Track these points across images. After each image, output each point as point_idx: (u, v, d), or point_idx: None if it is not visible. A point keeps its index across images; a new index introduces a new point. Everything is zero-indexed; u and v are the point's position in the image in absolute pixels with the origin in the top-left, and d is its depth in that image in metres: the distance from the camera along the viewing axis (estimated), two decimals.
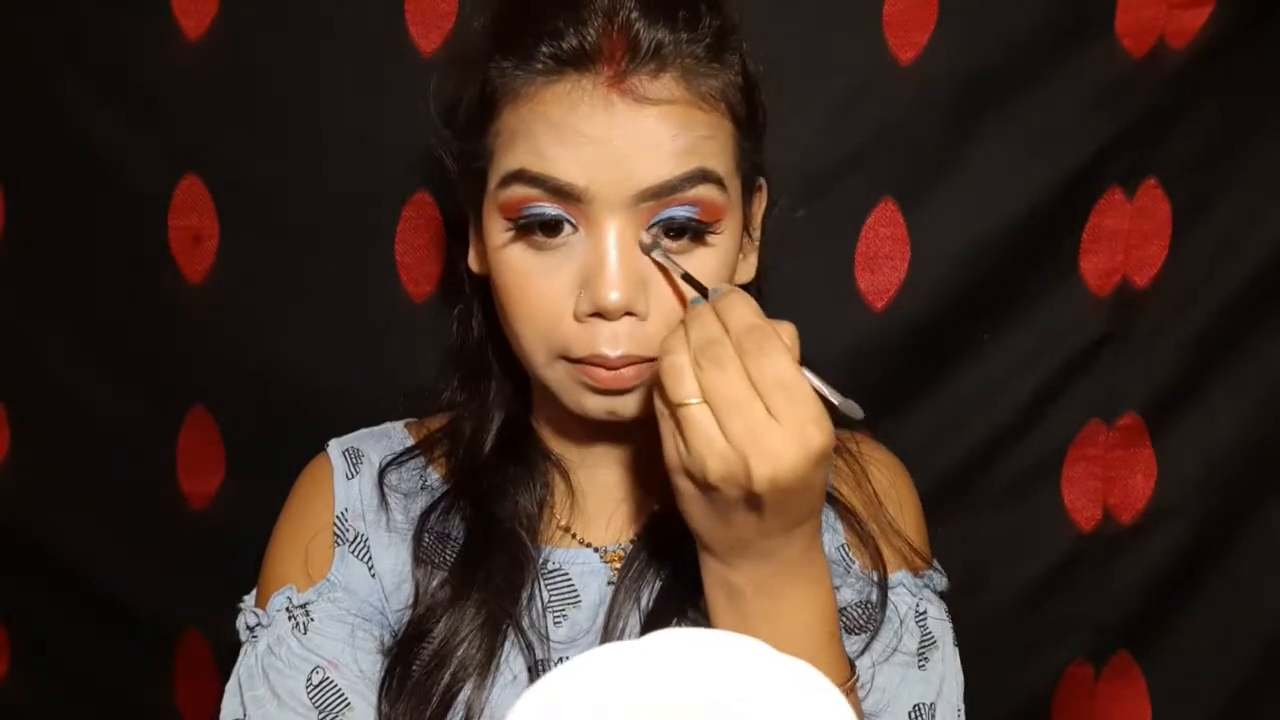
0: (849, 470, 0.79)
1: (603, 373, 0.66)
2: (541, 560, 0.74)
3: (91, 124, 0.95)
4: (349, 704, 0.69)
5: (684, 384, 0.58)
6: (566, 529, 0.76)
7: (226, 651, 0.76)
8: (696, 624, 0.69)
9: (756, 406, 0.56)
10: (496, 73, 0.67)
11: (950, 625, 0.77)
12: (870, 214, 0.95)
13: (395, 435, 0.81)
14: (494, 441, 0.77)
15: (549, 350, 0.67)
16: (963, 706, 0.75)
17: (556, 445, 0.78)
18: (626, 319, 0.65)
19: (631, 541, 0.75)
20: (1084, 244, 0.96)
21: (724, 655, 0.41)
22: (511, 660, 0.71)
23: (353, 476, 0.77)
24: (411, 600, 0.73)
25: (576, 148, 0.64)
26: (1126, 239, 0.96)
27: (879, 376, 0.96)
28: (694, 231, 0.66)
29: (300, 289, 0.97)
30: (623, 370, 0.66)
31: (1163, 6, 0.92)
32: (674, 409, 0.59)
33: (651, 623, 0.70)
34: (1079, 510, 0.99)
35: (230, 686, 0.73)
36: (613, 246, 0.64)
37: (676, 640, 0.40)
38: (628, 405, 0.68)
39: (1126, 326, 0.96)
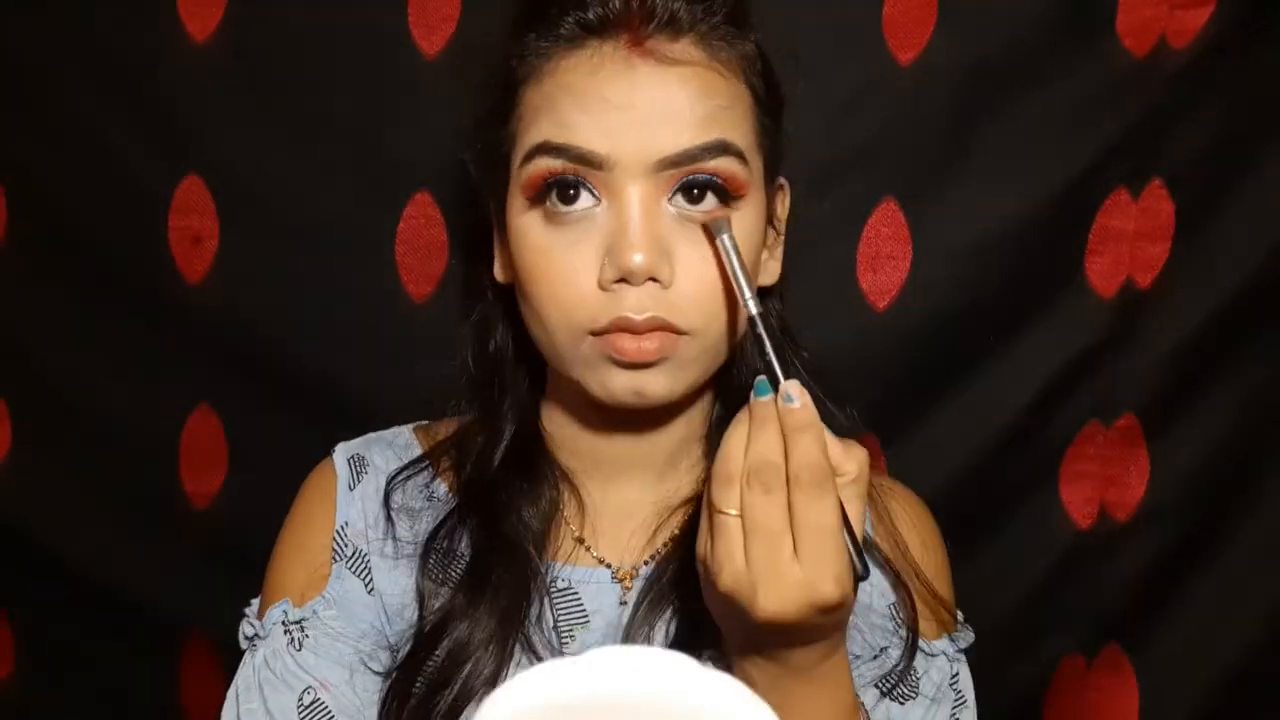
0: (880, 522, 0.78)
1: (628, 342, 0.65)
2: (550, 579, 0.73)
3: (96, 124, 0.95)
4: None
5: (729, 495, 0.58)
6: (580, 540, 0.75)
7: (231, 651, 0.76)
8: (717, 664, 0.68)
9: (785, 543, 0.57)
10: (517, 60, 0.68)
11: (971, 677, 0.77)
12: (872, 214, 0.95)
13: (403, 442, 0.80)
14: (504, 455, 0.75)
15: (574, 328, 0.66)
16: None
17: (570, 459, 0.76)
18: (651, 285, 0.65)
19: (646, 562, 0.74)
20: (1090, 245, 0.96)
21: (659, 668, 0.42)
22: None
23: (355, 486, 0.76)
24: (416, 619, 0.72)
25: (599, 114, 0.64)
26: (1132, 240, 0.96)
27: (881, 376, 0.96)
28: (718, 192, 0.66)
29: (301, 289, 0.97)
30: (647, 340, 0.65)
31: (1164, 6, 0.92)
32: (713, 510, 0.59)
33: None
34: (1076, 508, 1.00)
35: (230, 695, 0.73)
36: (636, 211, 0.64)
37: (618, 655, 0.41)
38: (655, 384, 0.66)
39: (1129, 328, 0.97)
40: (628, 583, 0.74)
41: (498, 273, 0.75)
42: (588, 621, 0.72)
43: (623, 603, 0.73)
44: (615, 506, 0.76)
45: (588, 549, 0.75)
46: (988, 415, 0.97)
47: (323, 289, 0.97)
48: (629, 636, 0.71)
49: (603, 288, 0.65)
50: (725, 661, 0.67)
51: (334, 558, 0.74)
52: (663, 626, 0.71)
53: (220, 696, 0.74)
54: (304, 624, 0.72)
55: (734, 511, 0.58)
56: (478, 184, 0.76)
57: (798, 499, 0.57)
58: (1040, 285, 0.96)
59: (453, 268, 0.96)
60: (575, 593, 0.73)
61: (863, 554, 0.58)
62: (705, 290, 0.66)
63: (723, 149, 0.65)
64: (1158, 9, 0.92)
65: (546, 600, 0.72)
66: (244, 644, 0.74)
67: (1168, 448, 0.99)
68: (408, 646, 0.71)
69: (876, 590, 0.75)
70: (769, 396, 0.59)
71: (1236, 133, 0.95)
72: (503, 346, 0.78)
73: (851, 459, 0.59)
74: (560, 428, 0.76)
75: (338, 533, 0.74)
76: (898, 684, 0.72)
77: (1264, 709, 1.00)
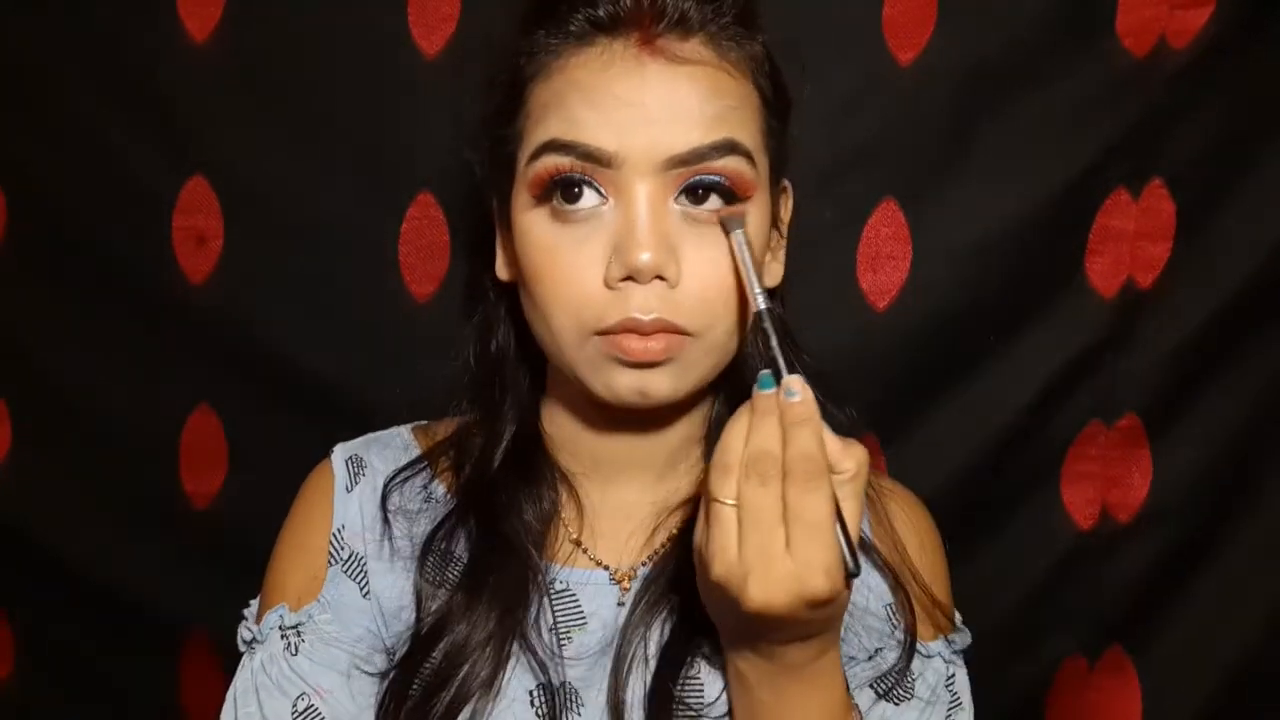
0: (879, 524, 0.78)
1: (634, 342, 0.65)
2: (549, 579, 0.73)
3: (96, 124, 0.95)
4: None
5: (726, 485, 0.59)
6: (577, 543, 0.75)
7: (231, 650, 0.76)
8: (712, 663, 0.69)
9: (778, 534, 0.57)
10: (526, 58, 0.68)
11: (968, 678, 0.76)
12: (872, 214, 0.95)
13: (402, 442, 0.79)
14: (503, 455, 0.75)
15: (580, 328, 0.66)
16: None
17: (569, 460, 0.76)
18: (657, 284, 0.65)
19: (644, 563, 0.74)
20: (1090, 245, 0.96)
21: None
22: (514, 680, 0.70)
23: (352, 488, 0.76)
24: (413, 621, 0.72)
25: (608, 110, 0.64)
26: (1132, 240, 0.96)
27: (881, 376, 0.96)
28: (723, 192, 0.66)
29: (304, 289, 0.97)
30: (653, 340, 0.65)
31: (1163, 6, 0.92)
32: (710, 499, 0.59)
33: (666, 660, 0.69)
34: (1078, 508, 1.00)
35: (228, 698, 0.73)
36: (643, 209, 0.64)
37: None
38: (659, 384, 0.66)
39: (1130, 328, 0.97)
40: (626, 583, 0.73)
41: (500, 271, 0.75)
42: (585, 623, 0.72)
43: (620, 604, 0.73)
44: (614, 507, 0.75)
45: (585, 551, 0.75)
46: (988, 416, 0.97)
47: (325, 289, 0.97)
48: (625, 637, 0.70)
49: (609, 286, 0.65)
50: (721, 661, 0.67)
51: (330, 561, 0.74)
52: (659, 627, 0.71)
53: (220, 696, 0.74)
54: (300, 629, 0.72)
55: (731, 501, 0.58)
56: (481, 182, 0.76)
57: (790, 491, 0.57)
58: (1041, 285, 0.96)
59: (455, 268, 0.96)
60: (573, 594, 0.73)
61: (855, 551, 0.58)
62: (711, 291, 0.66)
63: (731, 148, 0.65)
64: (1157, 9, 0.92)
65: (545, 602, 0.72)
66: (242, 647, 0.74)
67: (1170, 448, 0.99)
68: (405, 648, 0.71)
69: (874, 592, 0.75)
70: (772, 390, 0.59)
71: (1237, 132, 0.95)
72: (504, 346, 0.78)
73: (850, 457, 0.59)
74: (560, 428, 0.76)
75: (334, 535, 0.74)
76: (894, 686, 0.72)
77: (1267, 710, 1.00)
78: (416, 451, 0.78)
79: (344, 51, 0.94)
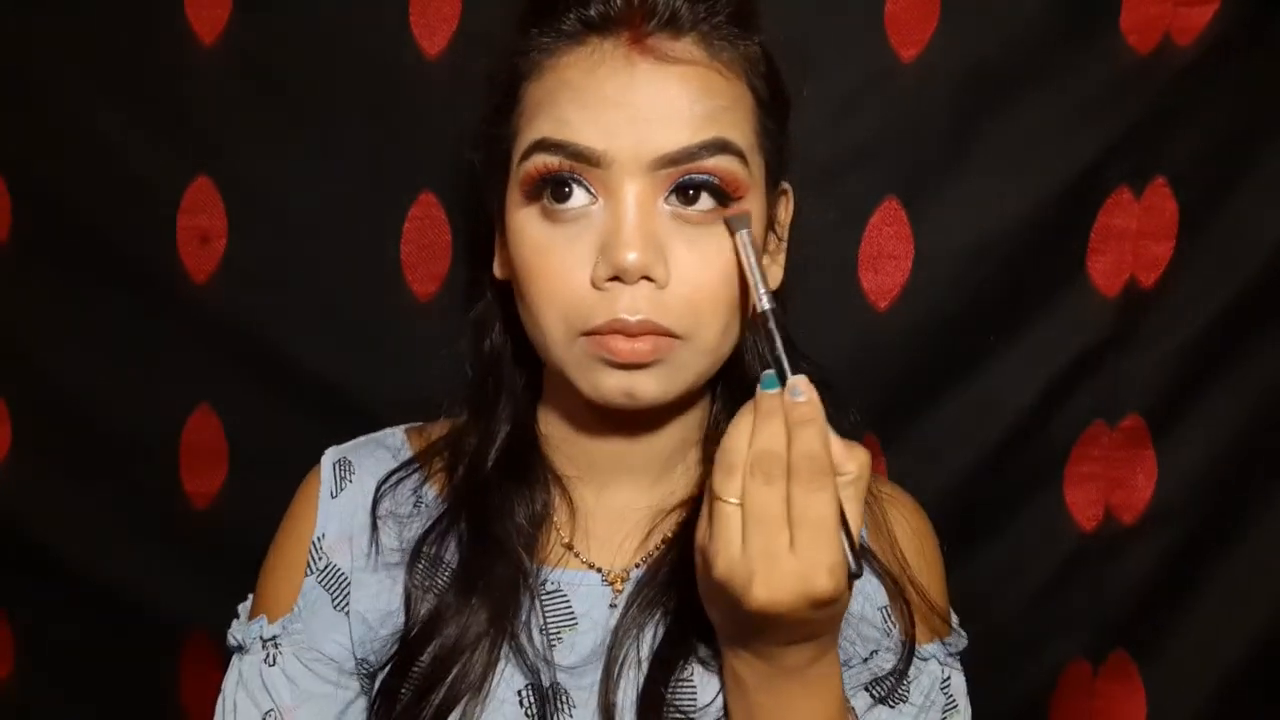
0: (876, 528, 0.77)
1: (621, 343, 0.65)
2: (540, 581, 0.73)
3: (101, 125, 0.95)
4: None
5: (730, 483, 0.58)
6: (569, 547, 0.75)
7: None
8: (706, 667, 0.69)
9: (782, 534, 0.57)
10: (521, 56, 0.69)
11: (965, 681, 0.76)
12: (874, 213, 0.95)
13: (395, 443, 0.79)
14: (497, 456, 0.75)
15: (568, 327, 0.66)
16: None
17: (564, 463, 0.76)
18: (645, 285, 0.64)
19: (638, 565, 0.74)
20: (1092, 244, 0.96)
21: None
22: (504, 682, 0.69)
23: (338, 494, 0.76)
24: (402, 626, 0.72)
25: (598, 110, 0.64)
26: (1135, 239, 0.95)
27: (882, 376, 0.96)
28: (714, 192, 0.66)
29: (306, 288, 0.97)
30: (640, 342, 0.65)
31: (1168, 3, 0.92)
32: (714, 498, 0.59)
33: (658, 662, 0.69)
34: (1081, 510, 0.99)
35: (219, 699, 0.74)
36: (631, 208, 0.64)
37: None
38: (646, 385, 0.66)
39: (1133, 327, 0.96)
40: (619, 585, 0.73)
41: (497, 270, 0.75)
42: (576, 624, 0.72)
43: (613, 605, 0.72)
44: (608, 510, 0.75)
45: (576, 554, 0.74)
46: (990, 416, 0.97)
47: (327, 288, 0.97)
48: (617, 639, 0.70)
49: (596, 286, 0.65)
50: (715, 664, 0.67)
51: (307, 571, 0.74)
52: (652, 629, 0.71)
53: None
54: (277, 640, 0.73)
55: (735, 500, 0.58)
56: (481, 181, 0.76)
57: (795, 490, 0.57)
58: (1043, 284, 0.96)
59: (457, 267, 0.96)
60: (564, 595, 0.73)
61: (858, 552, 0.58)
62: (701, 293, 0.65)
63: (721, 147, 0.65)
64: (1162, 6, 0.92)
65: (536, 603, 0.72)
66: (231, 645, 0.75)
67: (1174, 448, 0.98)
68: (393, 650, 0.71)
69: (869, 596, 0.75)
70: (776, 390, 0.59)
71: (1240, 131, 0.94)
72: (500, 346, 0.78)
73: (853, 459, 0.59)
74: (555, 430, 0.76)
75: (313, 544, 0.75)
76: (892, 690, 0.72)
77: (1272, 713, 0.99)
78: (409, 453, 0.78)
79: (346, 51, 0.94)
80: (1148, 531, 0.99)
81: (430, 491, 0.76)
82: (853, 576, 0.58)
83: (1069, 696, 1.01)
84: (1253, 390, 0.97)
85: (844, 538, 0.57)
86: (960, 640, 0.78)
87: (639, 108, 0.64)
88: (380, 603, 0.73)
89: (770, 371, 0.60)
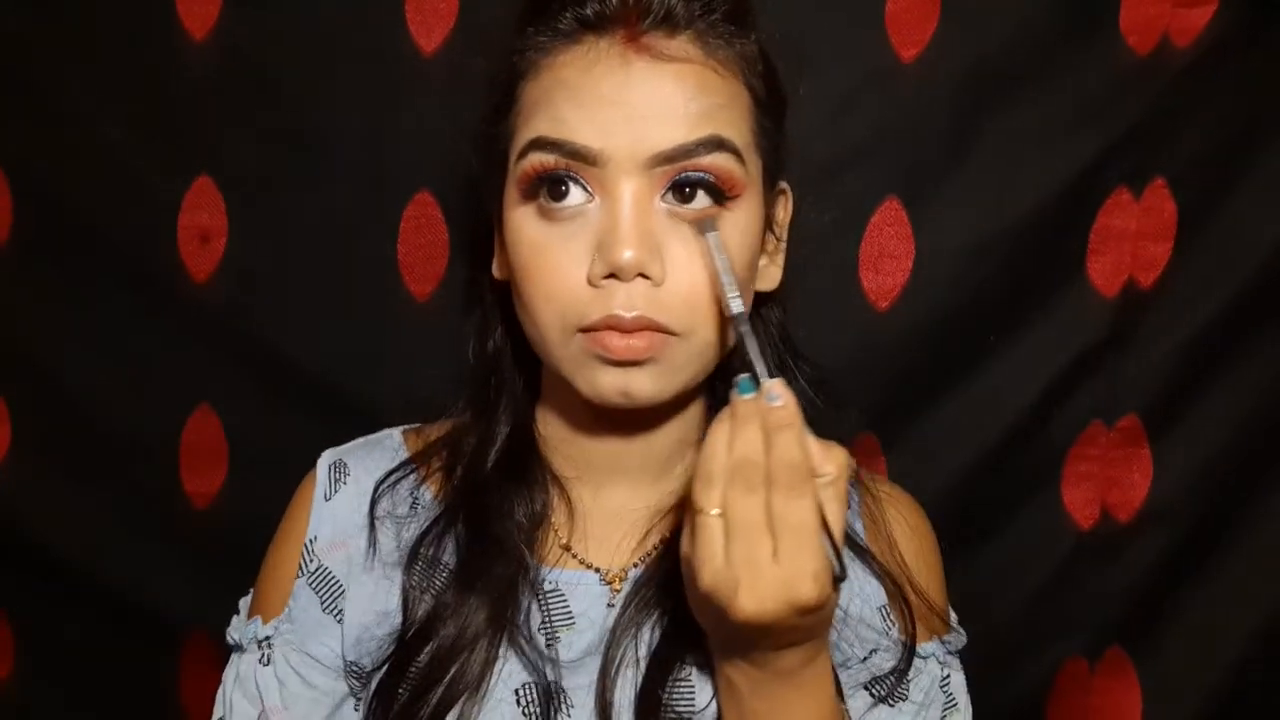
0: (875, 526, 0.77)
1: (616, 340, 0.64)
2: (538, 579, 0.73)
3: (99, 124, 0.95)
4: None
5: (710, 494, 0.58)
6: (566, 548, 0.74)
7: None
8: (704, 669, 0.69)
9: (765, 543, 0.57)
10: (518, 55, 0.69)
11: (964, 679, 0.76)
12: (874, 213, 0.95)
13: (392, 444, 0.79)
14: (497, 457, 0.75)
15: (564, 324, 0.66)
16: None
17: (562, 464, 0.76)
18: (641, 282, 0.64)
19: (636, 565, 0.74)
20: (1091, 244, 0.96)
21: None
22: (502, 681, 0.69)
23: (331, 496, 0.76)
24: (399, 625, 0.72)
25: (593, 109, 0.64)
26: (1134, 239, 0.96)
27: (883, 376, 0.96)
28: (710, 190, 0.66)
29: (303, 288, 0.97)
30: (636, 338, 0.65)
31: (1166, 4, 0.92)
32: (694, 511, 0.59)
33: (655, 662, 0.69)
34: (1078, 509, 0.99)
35: (217, 696, 0.75)
36: (627, 206, 0.64)
37: None
38: (642, 384, 0.66)
39: (1131, 328, 0.96)
40: (617, 585, 0.73)
41: (496, 270, 0.75)
42: (573, 623, 0.72)
43: (610, 605, 0.72)
44: (606, 510, 0.75)
45: (574, 555, 0.74)
46: (989, 416, 0.97)
47: (324, 288, 0.97)
48: (615, 638, 0.70)
49: (593, 284, 0.65)
50: (711, 667, 0.67)
51: (298, 573, 0.74)
52: (649, 628, 0.71)
53: None
54: (270, 640, 0.73)
55: (715, 511, 0.58)
56: (479, 180, 0.75)
57: (775, 498, 0.56)
58: (1042, 285, 0.96)
59: (454, 267, 0.96)
60: (561, 594, 0.73)
61: (841, 555, 0.57)
62: (697, 291, 0.65)
63: (717, 145, 0.65)
64: (1160, 7, 0.92)
65: (535, 602, 0.72)
66: (230, 643, 0.76)
67: (1170, 448, 0.99)
68: (390, 650, 0.71)
69: (868, 596, 0.75)
70: (752, 394, 0.59)
71: (1239, 131, 0.95)
72: (500, 347, 0.78)
73: (831, 460, 0.58)
74: (554, 431, 0.76)
75: (305, 547, 0.75)
76: (892, 689, 0.72)
77: (1268, 712, 1.00)
78: (405, 454, 0.78)
79: (341, 49, 0.94)
80: (1143, 530, 0.99)
81: (427, 492, 0.76)
82: (837, 580, 0.58)
83: (1066, 694, 1.01)
84: (1250, 390, 0.98)
85: (827, 541, 0.57)
86: (959, 638, 0.78)
87: (635, 106, 0.64)
88: (377, 603, 0.73)
89: (745, 376, 0.59)
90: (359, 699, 0.73)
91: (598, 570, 0.74)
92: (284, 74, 0.94)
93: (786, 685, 0.62)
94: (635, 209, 0.64)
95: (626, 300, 0.64)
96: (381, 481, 0.76)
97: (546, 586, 0.73)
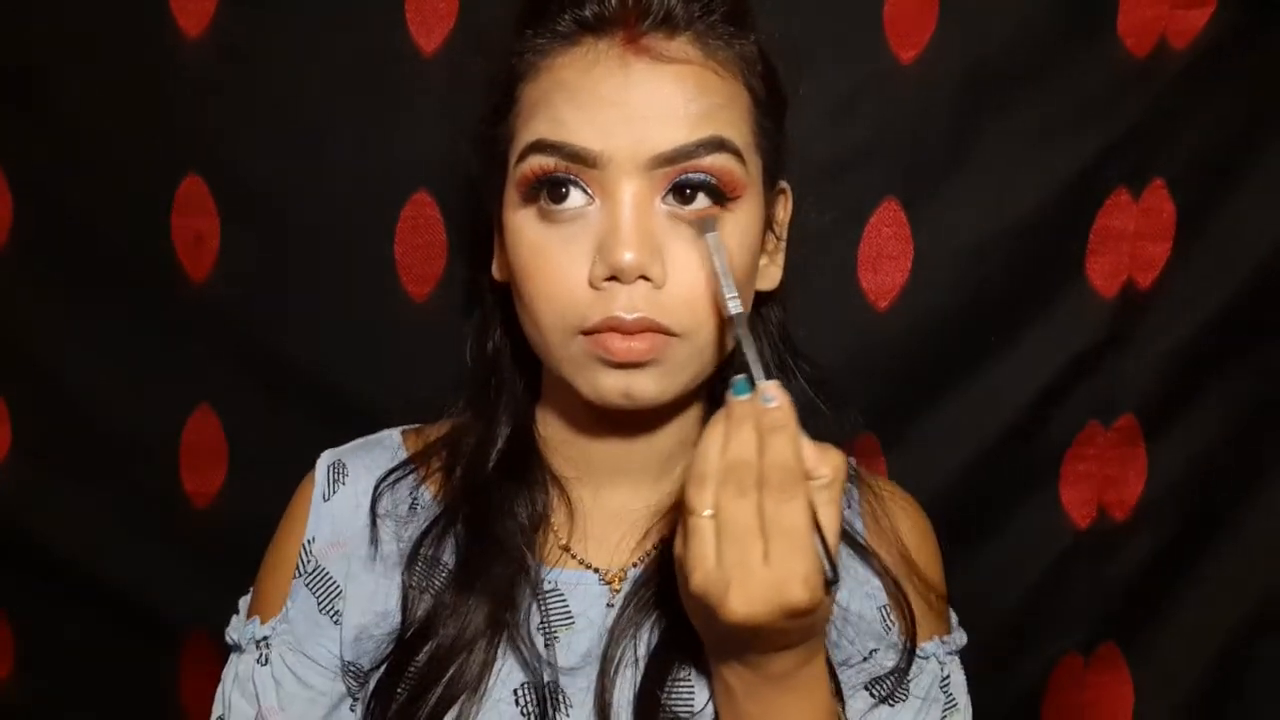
0: (876, 526, 0.77)
1: (618, 342, 0.64)
2: (538, 579, 0.73)
3: (95, 123, 0.95)
4: None
5: (702, 496, 0.58)
6: (566, 548, 0.74)
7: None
8: (703, 670, 0.68)
9: (756, 546, 0.57)
10: (517, 57, 0.68)
11: (965, 679, 0.77)
12: (873, 214, 0.95)
13: (391, 445, 0.79)
14: (498, 457, 0.75)
15: (565, 326, 0.66)
16: None
17: (562, 465, 0.76)
18: (642, 284, 0.64)
19: (635, 565, 0.74)
20: (1090, 245, 0.96)
21: None
22: (501, 681, 0.69)
23: (330, 497, 0.76)
24: (398, 625, 0.72)
25: (593, 111, 0.64)
26: (1133, 240, 0.96)
27: (882, 376, 0.96)
28: (711, 191, 0.66)
29: (301, 288, 0.97)
30: (637, 340, 0.65)
31: (1164, 6, 0.92)
32: (686, 512, 0.59)
33: (654, 663, 0.69)
34: (1076, 508, 1.00)
35: (218, 693, 0.75)
36: (627, 208, 0.64)
37: None
38: (644, 385, 0.66)
39: (1129, 328, 0.97)
40: (616, 585, 0.73)
41: (496, 272, 0.75)
42: (572, 623, 0.72)
43: (610, 605, 0.72)
44: (607, 511, 0.75)
45: (573, 555, 0.74)
46: (988, 415, 0.97)
47: (323, 288, 0.97)
48: (614, 639, 0.70)
49: (594, 286, 0.65)
50: (707, 669, 0.67)
51: (295, 573, 0.74)
52: (649, 629, 0.71)
53: None
54: (268, 640, 0.73)
55: (708, 513, 0.58)
56: (479, 182, 0.76)
57: (767, 501, 0.56)
58: (1041, 285, 0.96)
59: (452, 267, 0.96)
60: (560, 594, 0.73)
61: (834, 559, 0.57)
62: (698, 292, 0.65)
63: (718, 145, 0.65)
64: (1158, 9, 0.92)
65: (534, 602, 0.72)
66: (229, 642, 0.76)
67: (1166, 448, 0.99)
68: (389, 650, 0.71)
69: (869, 595, 0.75)
70: (747, 395, 0.59)
71: (1237, 133, 0.95)
72: (500, 348, 0.78)
73: (826, 463, 0.58)
74: (554, 431, 0.76)
75: (303, 547, 0.75)
76: (893, 689, 0.72)
77: (1259, 708, 1.01)
78: (405, 455, 0.78)
79: (340, 49, 0.93)
80: (1138, 528, 1.00)
81: (427, 493, 0.76)
82: (829, 584, 0.57)
83: (1061, 690, 1.02)
84: (1246, 391, 0.98)
85: (820, 545, 0.57)
86: (960, 638, 0.78)
87: (634, 107, 0.64)
88: (376, 603, 0.73)
89: (741, 376, 0.59)
90: (356, 699, 0.73)
91: (597, 570, 0.74)
92: (281, 73, 0.94)
93: (780, 688, 0.62)
94: (636, 211, 0.64)
95: (628, 302, 0.64)
96: (382, 479, 0.76)
97: (546, 586, 0.73)
